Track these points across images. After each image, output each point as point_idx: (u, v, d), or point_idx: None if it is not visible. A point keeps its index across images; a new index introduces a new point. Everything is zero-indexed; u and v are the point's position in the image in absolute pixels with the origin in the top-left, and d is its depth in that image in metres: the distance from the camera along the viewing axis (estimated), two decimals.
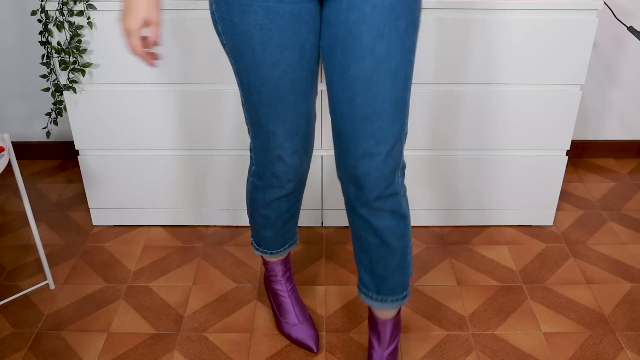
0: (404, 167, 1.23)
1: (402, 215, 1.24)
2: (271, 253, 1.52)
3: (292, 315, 1.58)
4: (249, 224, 2.02)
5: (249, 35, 1.13)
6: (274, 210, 1.39)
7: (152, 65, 1.15)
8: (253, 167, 1.35)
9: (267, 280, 1.62)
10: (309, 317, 1.60)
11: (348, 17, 1.09)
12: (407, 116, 1.18)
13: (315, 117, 1.29)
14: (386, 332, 1.39)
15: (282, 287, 1.59)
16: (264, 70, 1.16)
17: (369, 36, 1.09)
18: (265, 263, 1.59)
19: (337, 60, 1.13)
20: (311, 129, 1.28)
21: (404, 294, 1.34)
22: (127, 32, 1.10)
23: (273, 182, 1.33)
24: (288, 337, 1.59)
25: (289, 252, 1.59)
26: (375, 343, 1.41)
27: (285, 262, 1.58)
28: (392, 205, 1.21)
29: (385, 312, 1.37)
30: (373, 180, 1.17)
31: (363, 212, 1.23)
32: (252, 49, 1.14)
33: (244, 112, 1.27)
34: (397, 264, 1.28)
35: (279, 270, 1.58)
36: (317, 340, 1.56)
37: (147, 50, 1.14)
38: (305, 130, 1.26)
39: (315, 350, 1.55)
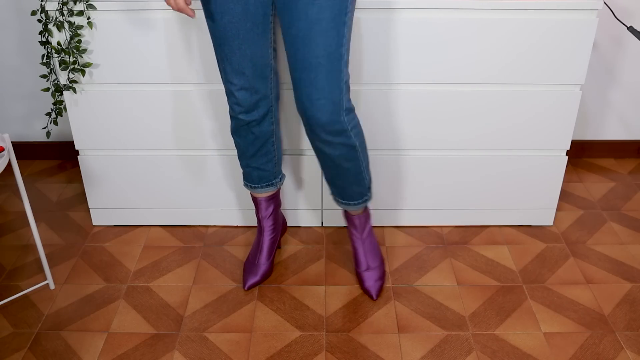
0: (350, 109, 1.48)
1: (350, 146, 1.51)
2: (251, 187, 1.73)
3: (254, 252, 1.80)
4: (247, 225, 2.03)
5: None
6: (242, 138, 1.64)
7: (192, 16, 1.38)
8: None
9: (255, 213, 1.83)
10: (266, 263, 1.77)
11: None
12: (346, 66, 1.43)
13: (267, 64, 1.53)
14: (360, 221, 1.73)
15: (260, 226, 1.78)
16: (215, 18, 1.45)
17: (302, 2, 1.36)
18: (252, 196, 1.78)
19: (285, 20, 1.41)
20: (260, 72, 1.53)
21: (363, 199, 1.66)
22: None
23: (232, 113, 1.60)
24: (243, 267, 1.83)
25: (273, 196, 1.75)
26: (354, 231, 1.75)
27: (266, 202, 1.75)
28: (340, 139, 1.49)
29: (353, 211, 1.70)
30: (317, 120, 1.44)
31: (317, 144, 1.51)
32: (208, 0, 1.44)
33: None
34: (351, 179, 1.59)
35: (261, 207, 1.76)
36: (253, 283, 1.76)
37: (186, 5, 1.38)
38: (253, 73, 1.52)
39: (244, 287, 1.76)
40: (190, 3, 1.39)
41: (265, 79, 1.55)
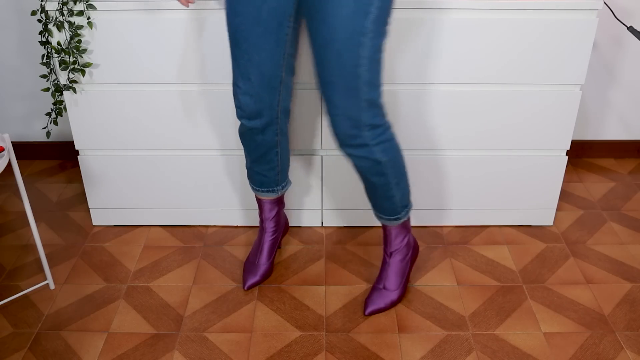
0: (374, 125, 1.44)
1: (375, 160, 1.48)
2: (254, 189, 1.72)
3: (254, 252, 1.80)
4: (247, 225, 2.03)
5: None
6: (246, 142, 1.61)
7: (185, 5, 1.43)
8: None
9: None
10: (266, 264, 1.77)
11: (307, 2, 1.36)
12: (368, 85, 1.38)
13: (276, 75, 1.49)
14: (390, 235, 1.67)
15: (262, 227, 1.78)
16: (229, 18, 1.43)
17: (316, 20, 1.34)
18: (256, 197, 1.76)
19: (309, 34, 1.39)
20: (266, 82, 1.48)
21: (395, 217, 1.61)
22: None
23: (237, 114, 1.56)
24: (243, 268, 1.82)
25: (277, 199, 1.74)
26: (384, 242, 1.70)
27: (270, 204, 1.74)
28: (361, 153, 1.47)
29: (385, 223, 1.65)
30: (336, 134, 1.46)
31: (342, 153, 1.51)
32: None
33: None
34: (380, 194, 1.56)
35: (265, 208, 1.75)
36: (253, 283, 1.76)
37: None
38: (259, 80, 1.48)
39: (244, 287, 1.76)
40: None
41: (272, 89, 1.51)
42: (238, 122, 1.84)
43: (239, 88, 1.51)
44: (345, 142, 1.46)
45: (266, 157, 1.63)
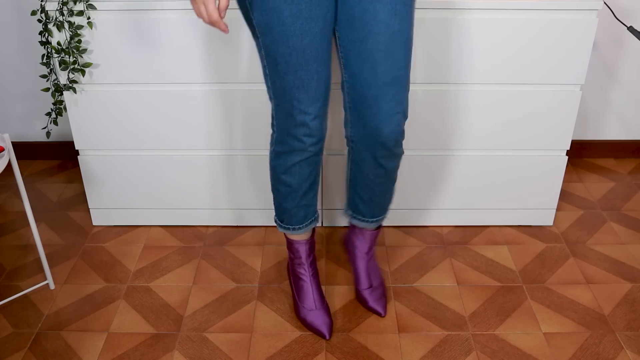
0: (405, 117, 1.41)
1: (399, 155, 1.46)
2: (294, 229, 1.57)
3: (310, 300, 1.63)
4: (247, 225, 2.03)
5: (280, 10, 1.25)
6: (295, 176, 1.47)
7: (226, 31, 1.22)
8: (275, 135, 1.45)
9: (290, 263, 1.67)
10: (326, 305, 1.64)
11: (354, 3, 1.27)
12: (409, 73, 1.36)
13: (330, 86, 1.39)
14: (371, 237, 1.67)
15: (304, 271, 1.64)
16: (292, 41, 1.28)
17: (384, 13, 1.26)
18: (289, 244, 1.63)
19: (356, 34, 1.29)
20: (328, 95, 1.39)
21: (385, 215, 1.61)
22: (204, 1, 1.18)
23: (295, 146, 1.42)
24: (303, 321, 1.63)
25: (313, 233, 1.63)
26: (359, 246, 1.67)
27: (310, 244, 1.62)
28: (398, 150, 1.43)
29: (368, 227, 1.63)
30: (394, 135, 1.38)
31: (382, 160, 1.43)
32: (283, 22, 1.25)
33: (268, 83, 1.39)
34: (387, 190, 1.53)
35: (303, 251, 1.62)
36: (330, 327, 1.61)
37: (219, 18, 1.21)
38: (325, 97, 1.38)
39: (327, 337, 1.60)
40: (224, 16, 1.25)
41: (328, 102, 1.41)
42: (238, 123, 1.84)
43: (309, 115, 1.37)
44: (395, 142, 1.40)
45: (316, 180, 1.52)
